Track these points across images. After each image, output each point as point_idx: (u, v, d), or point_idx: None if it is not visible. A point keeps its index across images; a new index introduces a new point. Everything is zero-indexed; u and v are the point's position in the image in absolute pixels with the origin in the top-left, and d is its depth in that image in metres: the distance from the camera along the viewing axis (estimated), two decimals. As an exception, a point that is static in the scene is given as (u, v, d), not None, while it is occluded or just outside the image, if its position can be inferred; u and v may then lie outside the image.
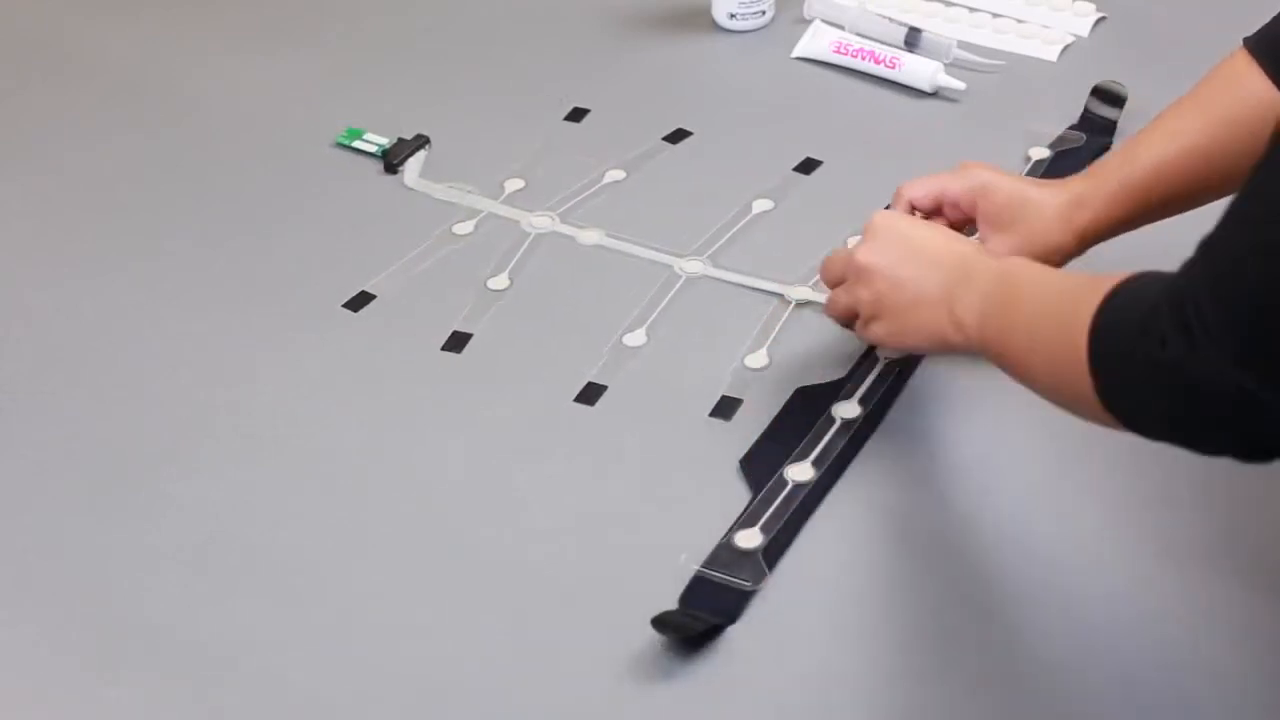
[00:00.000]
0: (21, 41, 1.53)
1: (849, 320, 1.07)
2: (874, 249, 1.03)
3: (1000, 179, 1.08)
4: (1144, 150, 1.06)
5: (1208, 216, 0.78)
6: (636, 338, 1.13)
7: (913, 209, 1.09)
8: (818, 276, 1.12)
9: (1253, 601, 0.93)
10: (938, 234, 1.03)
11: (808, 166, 1.28)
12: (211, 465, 1.06)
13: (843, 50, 1.40)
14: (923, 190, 1.10)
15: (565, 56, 1.46)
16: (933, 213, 1.10)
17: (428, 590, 0.97)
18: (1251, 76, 1.02)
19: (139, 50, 1.50)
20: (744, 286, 1.17)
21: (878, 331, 1.04)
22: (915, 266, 1.00)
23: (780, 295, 1.16)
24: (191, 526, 1.02)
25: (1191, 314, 0.76)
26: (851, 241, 1.13)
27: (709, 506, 1.00)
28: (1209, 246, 0.78)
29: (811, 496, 1.01)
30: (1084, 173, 1.09)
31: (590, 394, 1.09)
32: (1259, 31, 1.03)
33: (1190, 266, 0.79)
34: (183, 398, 1.11)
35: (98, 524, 1.02)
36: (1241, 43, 1.03)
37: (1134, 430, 0.84)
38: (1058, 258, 1.06)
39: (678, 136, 1.33)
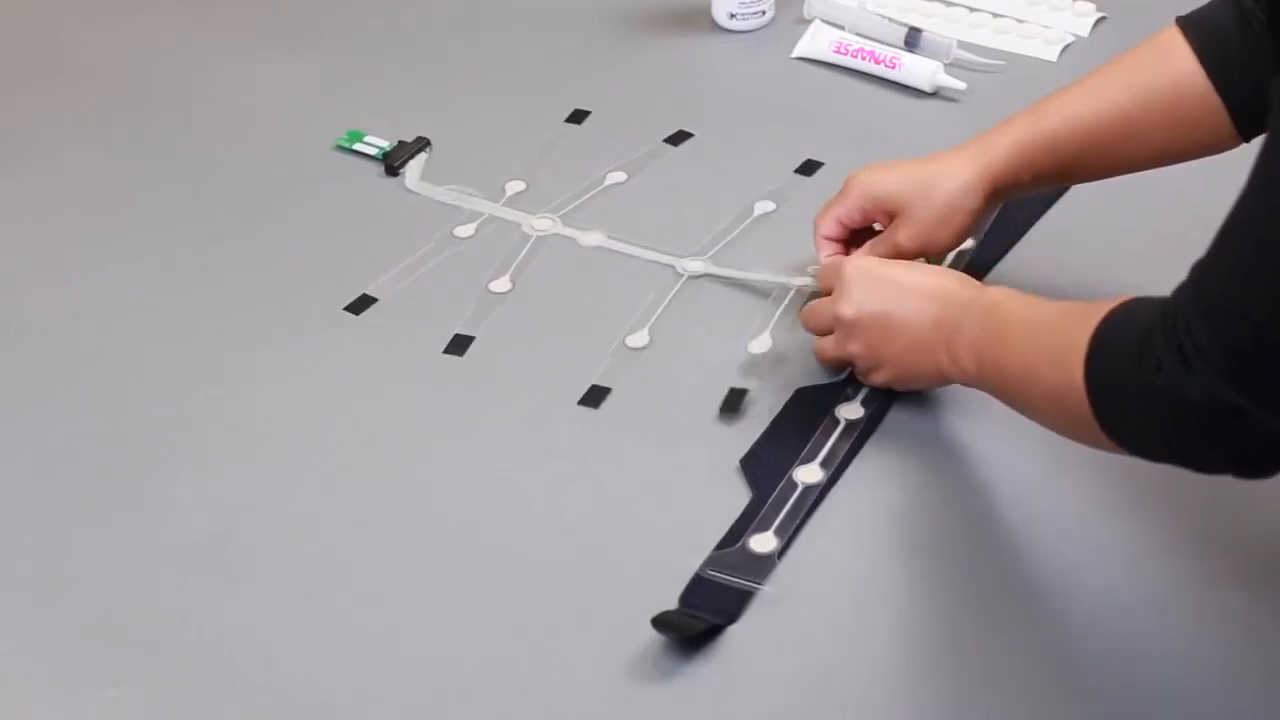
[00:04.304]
0: (21, 41, 1.53)
1: (839, 368, 1.08)
2: (855, 300, 1.03)
3: (881, 175, 1.09)
4: (1058, 104, 1.07)
5: (1201, 237, 0.79)
6: (639, 338, 1.13)
7: (837, 241, 1.12)
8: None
9: (1252, 601, 0.93)
10: (913, 272, 1.04)
11: (809, 168, 1.29)
12: (212, 466, 1.06)
13: (843, 50, 1.40)
14: (828, 224, 1.11)
15: (565, 57, 1.46)
16: (848, 239, 1.12)
17: (427, 591, 0.97)
18: (1179, 52, 1.02)
19: (139, 50, 1.50)
20: (746, 281, 1.17)
21: (880, 379, 1.05)
22: (901, 311, 1.01)
23: (778, 292, 1.16)
24: (191, 527, 1.02)
25: (1184, 336, 0.77)
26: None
27: (708, 506, 1.00)
28: (1201, 269, 0.79)
29: (819, 498, 1.01)
30: (993, 128, 1.09)
31: (594, 396, 1.09)
32: (1195, 10, 1.04)
33: (1183, 290, 0.80)
34: (183, 399, 1.11)
35: (98, 524, 1.02)
36: (1175, 20, 1.04)
37: (1134, 453, 0.85)
38: (970, 220, 1.08)
39: (679, 138, 1.33)
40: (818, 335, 1.09)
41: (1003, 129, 1.08)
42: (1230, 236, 0.77)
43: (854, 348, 1.04)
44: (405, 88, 1.43)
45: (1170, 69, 1.02)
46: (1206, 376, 0.76)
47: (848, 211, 1.11)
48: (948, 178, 1.07)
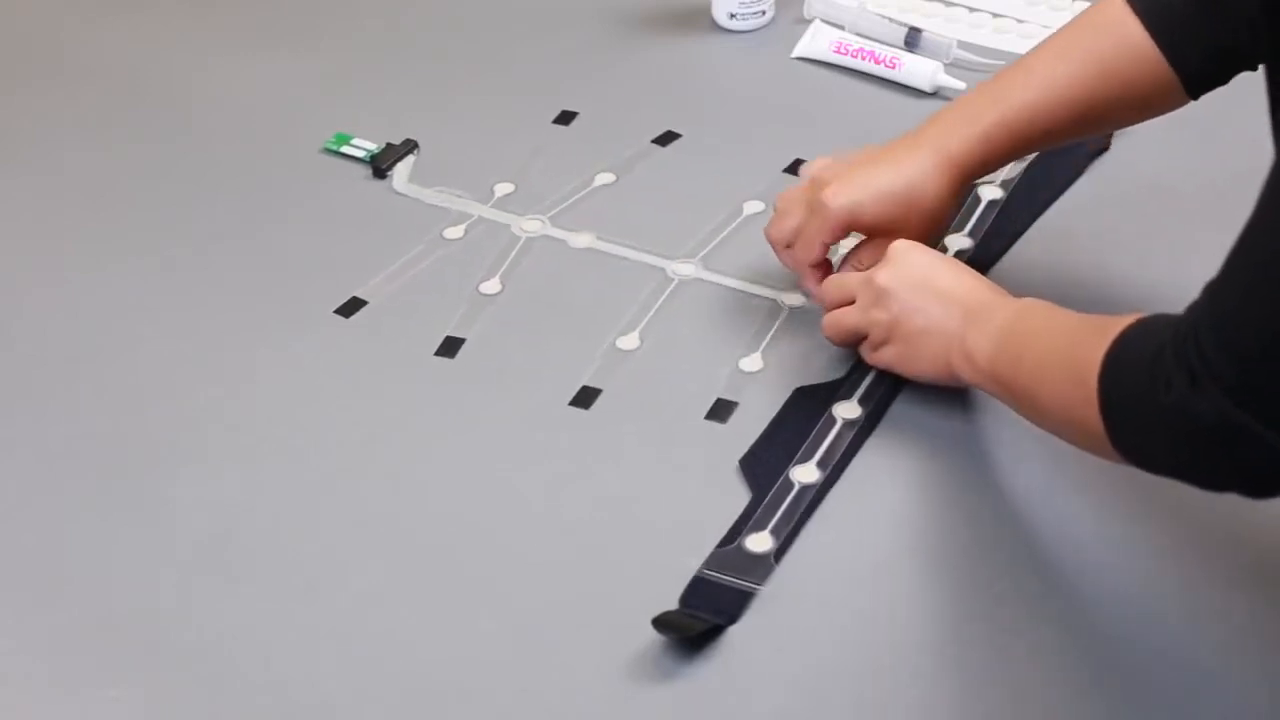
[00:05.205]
0: (21, 41, 1.53)
1: (849, 341, 1.08)
2: (896, 274, 1.04)
3: (861, 197, 1.08)
4: (1020, 91, 1.07)
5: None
6: (630, 341, 1.13)
7: (816, 266, 1.11)
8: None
9: (1253, 602, 0.93)
10: (959, 270, 1.04)
11: (798, 168, 1.28)
12: (212, 466, 1.06)
13: (843, 50, 1.40)
14: (816, 252, 1.10)
15: (564, 58, 1.45)
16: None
17: (427, 591, 0.97)
18: (1127, 22, 1.02)
19: (139, 50, 1.50)
20: (737, 290, 1.17)
21: (886, 355, 1.05)
22: (934, 296, 1.02)
23: (774, 300, 1.16)
24: (191, 527, 1.02)
25: (1194, 355, 0.78)
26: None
27: (708, 506, 1.00)
28: (1212, 288, 0.79)
29: (817, 498, 1.01)
30: (946, 117, 1.09)
31: (585, 398, 1.09)
32: None
33: (1194, 308, 0.80)
34: (183, 399, 1.11)
35: (98, 524, 1.02)
36: None
37: (1142, 468, 0.86)
38: (952, 217, 1.12)
39: (667, 139, 1.33)
40: (831, 308, 1.08)
41: (966, 119, 1.08)
42: (1241, 255, 0.78)
43: (879, 314, 1.04)
44: (404, 88, 1.43)
45: (1120, 42, 1.03)
46: (1214, 395, 0.77)
47: (835, 237, 1.10)
48: (927, 188, 1.08)
